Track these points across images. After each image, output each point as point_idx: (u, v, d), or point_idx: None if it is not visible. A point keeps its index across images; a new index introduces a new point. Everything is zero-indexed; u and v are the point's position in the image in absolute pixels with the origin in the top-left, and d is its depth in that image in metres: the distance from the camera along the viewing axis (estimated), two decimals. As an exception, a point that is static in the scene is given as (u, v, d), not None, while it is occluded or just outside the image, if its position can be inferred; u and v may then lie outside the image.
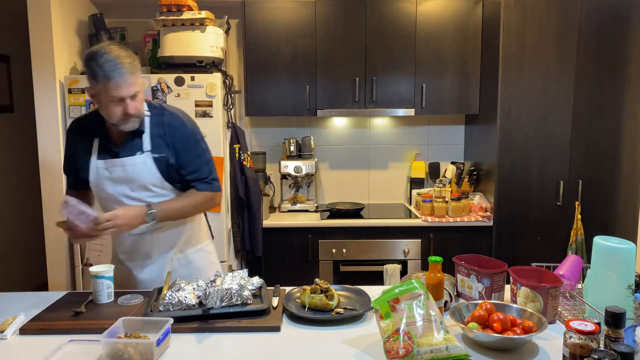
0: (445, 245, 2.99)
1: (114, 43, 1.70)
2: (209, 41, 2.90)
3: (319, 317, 1.51)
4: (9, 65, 4.04)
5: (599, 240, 1.45)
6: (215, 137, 2.84)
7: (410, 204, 3.45)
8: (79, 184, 1.87)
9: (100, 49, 1.64)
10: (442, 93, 3.19)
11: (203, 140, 1.90)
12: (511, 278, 1.55)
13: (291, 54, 3.14)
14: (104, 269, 1.66)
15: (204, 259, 2.02)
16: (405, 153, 3.58)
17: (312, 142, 3.36)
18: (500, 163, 2.95)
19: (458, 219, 3.00)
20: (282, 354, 1.33)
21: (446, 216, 3.04)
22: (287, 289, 1.73)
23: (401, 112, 3.19)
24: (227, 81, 3.04)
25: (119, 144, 1.81)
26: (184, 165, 1.84)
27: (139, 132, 1.80)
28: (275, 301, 1.60)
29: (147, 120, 1.80)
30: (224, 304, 1.51)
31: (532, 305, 1.46)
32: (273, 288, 1.73)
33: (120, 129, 1.73)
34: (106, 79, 1.61)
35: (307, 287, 1.59)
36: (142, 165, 1.79)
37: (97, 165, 1.80)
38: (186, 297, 1.53)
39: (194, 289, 1.57)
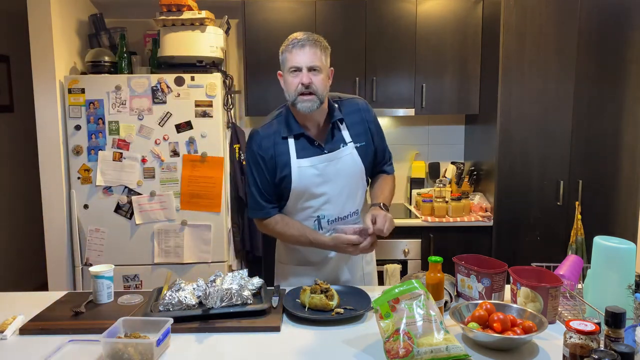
0: (445, 245, 2.98)
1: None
2: (209, 41, 2.90)
3: (319, 317, 1.51)
4: (9, 65, 4.05)
5: (599, 240, 1.44)
6: (215, 137, 2.84)
7: (411, 204, 3.45)
8: (275, 201, 1.78)
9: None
10: (442, 93, 3.19)
11: None
12: (511, 278, 1.55)
13: (291, 54, 3.14)
14: (104, 269, 1.66)
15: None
16: (405, 153, 3.58)
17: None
18: (500, 163, 2.94)
19: (458, 219, 3.00)
20: (282, 354, 1.33)
21: (446, 216, 3.04)
22: (287, 289, 1.73)
23: (401, 112, 3.19)
24: (227, 81, 3.04)
25: (319, 139, 1.74)
26: (377, 150, 1.82)
27: (336, 123, 1.75)
28: (275, 301, 1.60)
29: (336, 111, 1.76)
30: (224, 304, 1.51)
31: (532, 305, 1.46)
32: (273, 288, 1.73)
33: (300, 111, 1.67)
34: (287, 50, 1.67)
35: (307, 287, 1.59)
36: (349, 157, 1.74)
37: (298, 165, 1.70)
38: (186, 297, 1.53)
39: (194, 289, 1.57)
